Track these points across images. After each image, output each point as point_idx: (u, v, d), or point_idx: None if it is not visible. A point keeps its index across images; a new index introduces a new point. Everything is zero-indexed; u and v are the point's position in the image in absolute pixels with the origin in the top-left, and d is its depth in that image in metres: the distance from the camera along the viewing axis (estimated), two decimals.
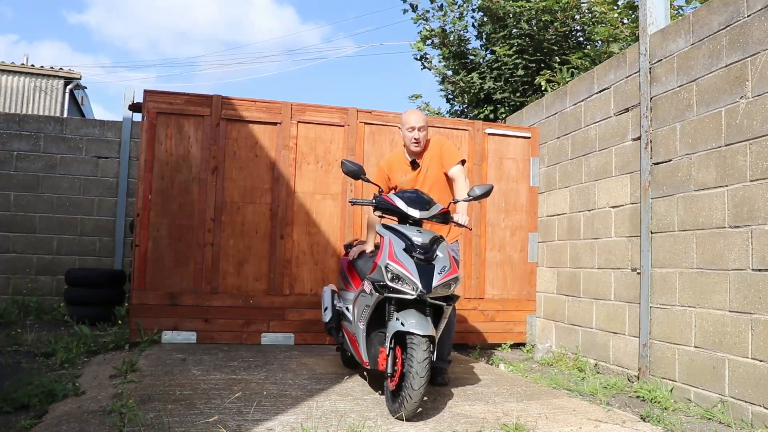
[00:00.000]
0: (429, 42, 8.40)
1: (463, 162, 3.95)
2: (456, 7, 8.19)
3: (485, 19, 7.94)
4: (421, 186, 3.87)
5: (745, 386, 3.32)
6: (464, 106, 8.46)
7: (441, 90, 8.71)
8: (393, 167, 4.04)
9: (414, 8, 8.33)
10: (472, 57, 8.12)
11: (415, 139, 3.87)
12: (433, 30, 8.20)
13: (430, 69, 8.63)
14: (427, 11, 8.25)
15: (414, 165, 3.97)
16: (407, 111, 4.03)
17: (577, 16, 7.48)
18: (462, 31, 8.17)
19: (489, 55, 7.99)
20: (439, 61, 8.48)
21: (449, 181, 3.95)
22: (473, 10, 8.12)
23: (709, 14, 3.80)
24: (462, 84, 7.89)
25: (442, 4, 8.23)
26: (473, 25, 8.26)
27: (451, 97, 8.65)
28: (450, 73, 8.35)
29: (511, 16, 7.48)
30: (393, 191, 3.88)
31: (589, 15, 7.42)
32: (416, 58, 8.60)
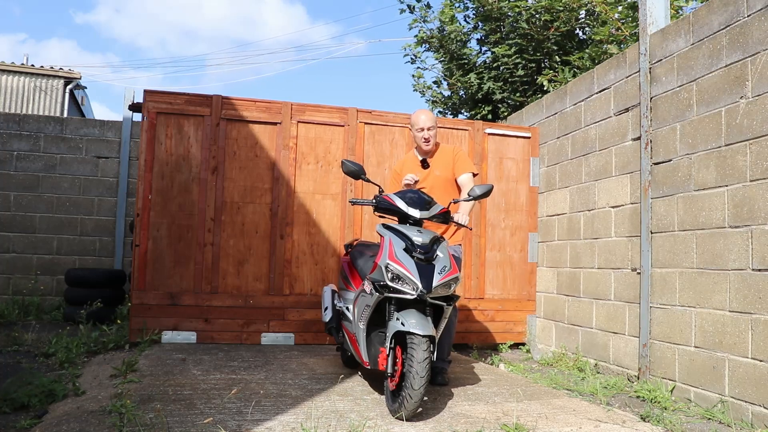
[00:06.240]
0: (425, 46, 8.37)
1: (474, 175, 4.07)
2: (451, 7, 8.13)
3: (480, 18, 7.91)
4: (428, 184, 3.99)
5: (745, 386, 3.32)
6: (462, 106, 8.44)
7: (437, 91, 8.70)
8: (404, 167, 4.20)
9: (411, 9, 8.29)
10: (467, 59, 8.09)
11: (425, 138, 4.01)
12: (431, 33, 8.16)
13: (424, 70, 8.65)
14: (426, 17, 8.20)
15: (424, 164, 4.10)
16: (416, 112, 4.12)
17: (582, 16, 7.44)
18: (458, 32, 8.14)
19: (486, 55, 7.97)
20: (434, 64, 8.45)
21: (458, 188, 4.06)
22: (467, 8, 8.08)
23: (709, 14, 3.80)
24: (459, 84, 7.88)
25: (428, 2, 8.19)
26: (466, 20, 8.20)
27: (448, 98, 8.66)
28: (444, 75, 8.32)
29: (510, 16, 7.45)
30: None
31: (593, 16, 7.38)
32: (410, 61, 8.59)
